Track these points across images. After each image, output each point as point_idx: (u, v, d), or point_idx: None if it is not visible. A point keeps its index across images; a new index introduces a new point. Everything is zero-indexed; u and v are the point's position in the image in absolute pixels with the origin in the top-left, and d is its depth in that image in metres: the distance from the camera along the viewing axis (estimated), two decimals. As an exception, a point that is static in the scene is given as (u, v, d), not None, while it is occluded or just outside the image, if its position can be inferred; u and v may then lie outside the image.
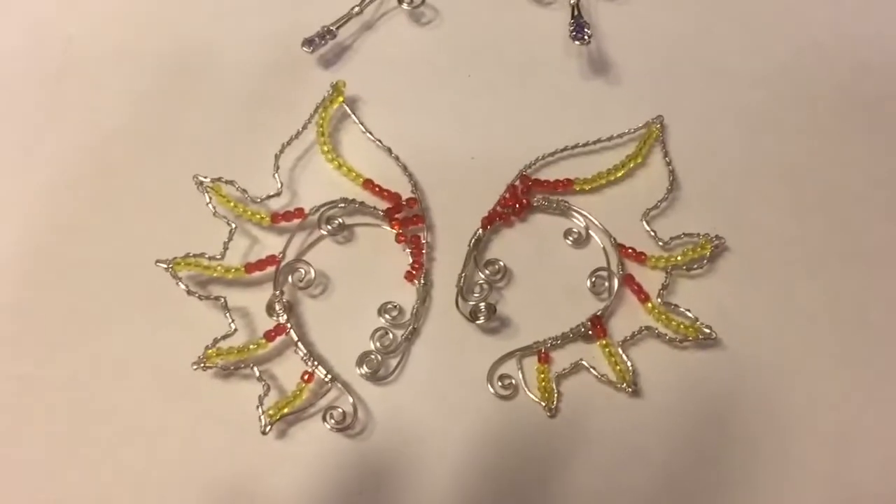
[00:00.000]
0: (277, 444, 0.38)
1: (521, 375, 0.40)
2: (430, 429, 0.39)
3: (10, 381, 0.40)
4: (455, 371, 0.40)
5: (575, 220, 0.43)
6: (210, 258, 0.40)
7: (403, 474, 0.38)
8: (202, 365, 0.38)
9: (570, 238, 0.43)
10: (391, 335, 0.40)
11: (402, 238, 0.42)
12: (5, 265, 0.42)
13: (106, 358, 0.40)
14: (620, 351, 0.40)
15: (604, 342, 0.41)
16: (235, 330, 0.39)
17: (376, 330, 0.40)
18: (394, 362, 0.40)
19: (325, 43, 0.46)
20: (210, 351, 0.39)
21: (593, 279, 0.42)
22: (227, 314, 0.40)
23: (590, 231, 0.43)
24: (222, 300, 0.40)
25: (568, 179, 0.44)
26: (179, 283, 0.40)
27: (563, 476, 0.39)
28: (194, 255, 0.40)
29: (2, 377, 0.40)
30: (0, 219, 0.43)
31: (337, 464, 0.38)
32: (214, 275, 0.40)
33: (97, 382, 0.40)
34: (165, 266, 0.40)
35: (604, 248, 0.43)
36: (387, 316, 0.41)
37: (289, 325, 0.40)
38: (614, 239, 0.42)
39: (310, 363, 0.39)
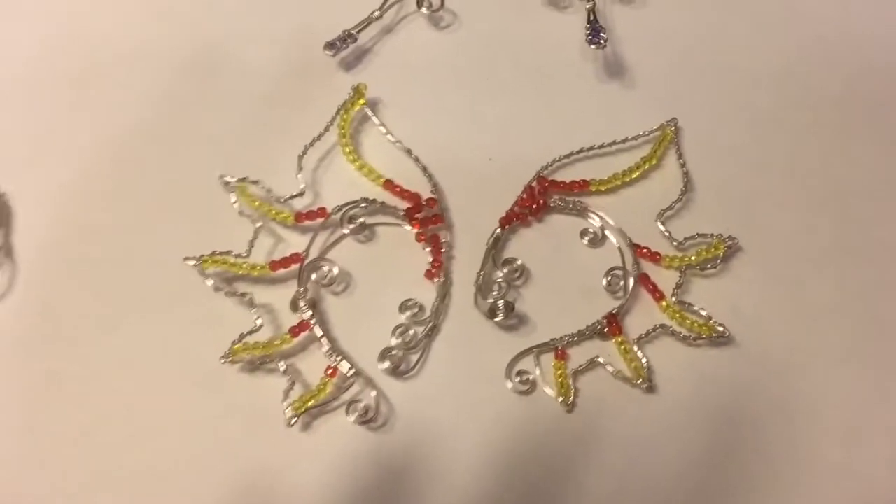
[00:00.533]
0: (301, 437, 0.40)
1: (538, 371, 0.41)
2: (450, 423, 0.40)
3: (35, 375, 0.41)
4: (474, 367, 0.41)
5: (591, 220, 0.44)
6: (236, 256, 0.42)
7: (423, 466, 0.39)
8: (229, 359, 0.40)
9: (586, 238, 0.44)
10: (412, 332, 0.41)
11: (422, 237, 0.43)
12: (31, 262, 0.43)
13: (131, 353, 0.41)
14: (636, 348, 0.41)
15: (619, 339, 0.41)
16: (261, 325, 0.41)
17: (397, 326, 0.41)
18: (414, 358, 0.41)
19: (346, 46, 0.47)
20: (237, 346, 0.40)
21: (609, 278, 0.43)
22: (253, 310, 0.41)
23: (605, 231, 0.44)
24: (248, 296, 0.41)
25: (584, 180, 0.45)
26: (207, 280, 0.41)
27: (578, 470, 0.39)
28: (221, 253, 0.41)
29: (27, 372, 0.41)
30: (25, 217, 0.44)
31: (359, 456, 0.39)
32: (240, 272, 0.42)
33: (122, 377, 0.41)
34: (193, 263, 0.41)
35: (619, 248, 0.44)
36: (407, 313, 0.42)
37: (312, 321, 0.41)
38: (629, 239, 0.43)
39: (333, 358, 0.40)
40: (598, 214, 0.44)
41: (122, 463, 0.40)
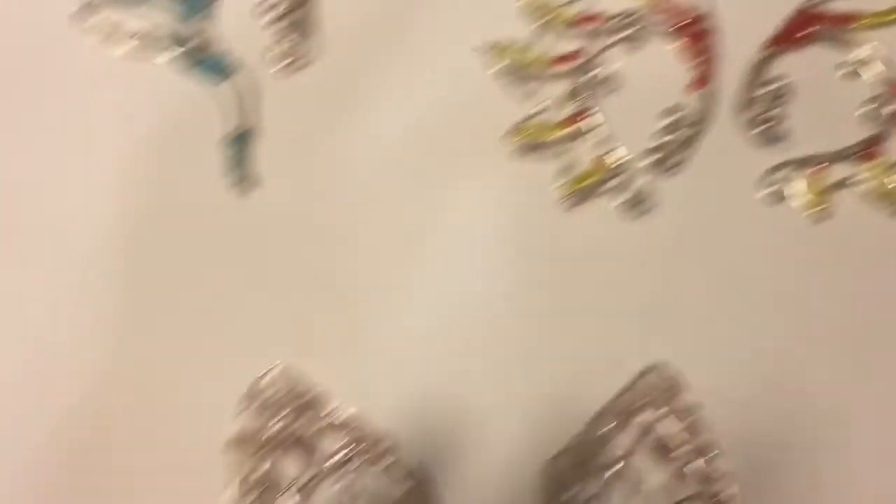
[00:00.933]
0: (568, 217, 0.44)
1: (792, 185, 0.44)
2: (703, 220, 0.44)
3: (330, 128, 0.46)
4: (729, 174, 0.44)
5: (853, 53, 0.45)
6: (519, 49, 0.45)
7: (679, 255, 0.43)
8: (510, 140, 0.44)
9: (847, 69, 0.45)
10: (675, 135, 0.44)
11: (690, 51, 0.46)
12: (332, 38, 0.48)
13: (413, 125, 0.46)
14: (890, 172, 0.43)
15: (875, 163, 0.43)
16: (541, 112, 0.44)
17: (661, 128, 0.44)
18: (676, 159, 0.44)
19: None
20: (516, 127, 0.44)
21: (868, 108, 0.44)
22: (534, 98, 0.44)
23: (867, 64, 0.45)
24: (530, 85, 0.45)
25: (850, 14, 0.46)
26: (493, 68, 0.45)
27: (821, 281, 0.43)
28: (505, 45, 0.45)
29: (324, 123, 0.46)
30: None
31: (621, 241, 0.43)
32: (522, 64, 0.45)
33: (403, 141, 0.46)
34: (483, 51, 0.45)
35: (879, 81, 0.45)
36: (672, 117, 0.45)
37: (586, 113, 0.44)
38: (892, 73, 0.44)
39: (604, 147, 0.44)
40: (860, 48, 0.45)
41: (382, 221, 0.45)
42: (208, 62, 0.47)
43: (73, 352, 0.43)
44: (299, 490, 0.41)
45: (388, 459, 0.40)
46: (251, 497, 0.41)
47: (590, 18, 0.46)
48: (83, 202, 0.45)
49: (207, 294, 0.44)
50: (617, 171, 0.44)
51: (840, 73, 0.45)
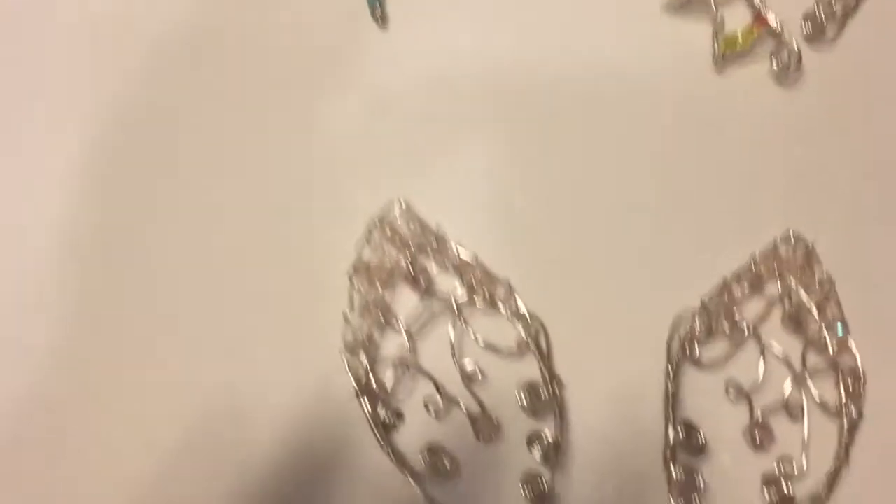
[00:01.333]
0: (721, 78, 0.43)
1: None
2: (854, 95, 0.42)
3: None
4: (886, 52, 0.43)
5: None
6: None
7: (825, 127, 0.42)
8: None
9: None
10: (832, 8, 0.42)
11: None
12: None
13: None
14: None
15: None
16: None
17: (819, -2, 0.43)
18: (831, 31, 0.42)
19: None
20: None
21: None
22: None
23: None
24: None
25: None
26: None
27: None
28: None
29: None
30: None
31: (773, 107, 0.42)
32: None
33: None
34: None
35: None
36: None
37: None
38: None
39: (763, 9, 0.42)
40: None
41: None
42: None
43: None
44: (413, 325, 0.41)
45: (504, 305, 0.40)
46: (366, 323, 0.41)
47: None
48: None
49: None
50: (770, 37, 0.42)
51: None
